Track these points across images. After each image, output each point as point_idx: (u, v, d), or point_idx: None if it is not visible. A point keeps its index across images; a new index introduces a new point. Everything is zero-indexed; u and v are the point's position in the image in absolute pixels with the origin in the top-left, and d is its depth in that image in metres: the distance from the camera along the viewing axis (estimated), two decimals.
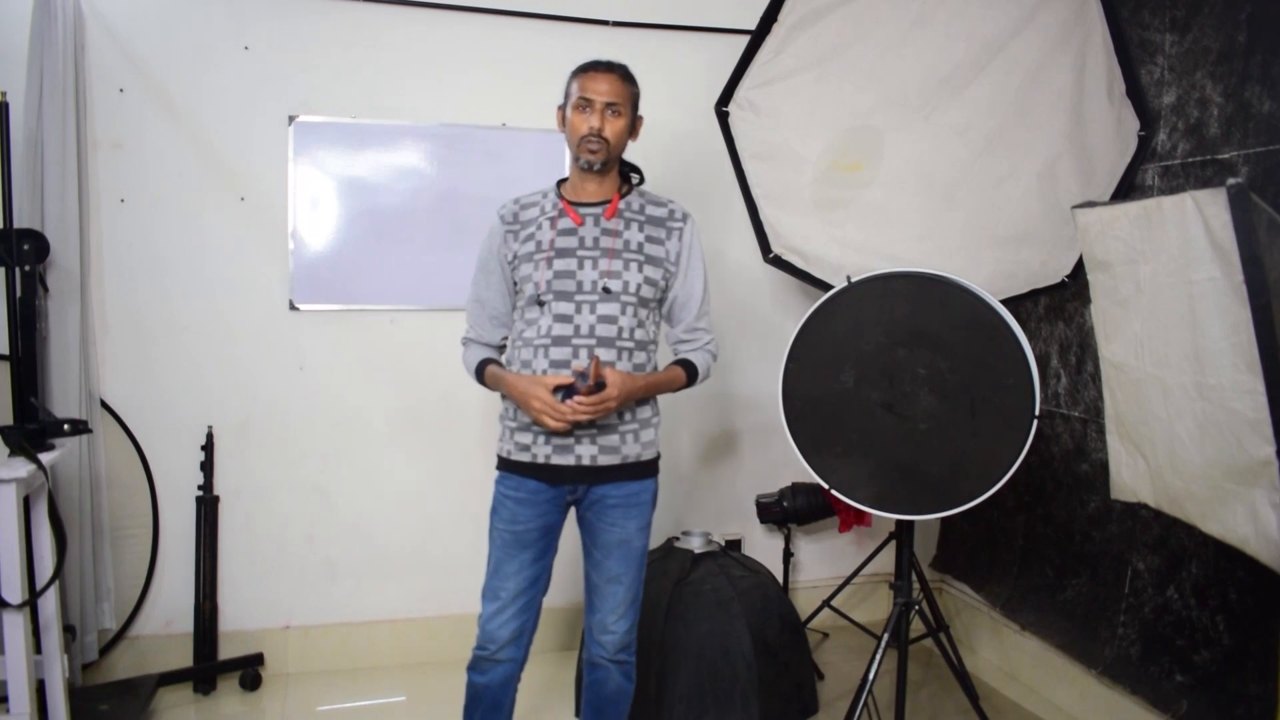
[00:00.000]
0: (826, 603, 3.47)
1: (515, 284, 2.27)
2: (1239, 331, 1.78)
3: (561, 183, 2.31)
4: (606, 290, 2.18)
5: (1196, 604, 2.64)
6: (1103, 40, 2.88)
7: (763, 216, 3.05)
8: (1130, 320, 2.10)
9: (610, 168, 2.23)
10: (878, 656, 2.55)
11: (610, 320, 2.18)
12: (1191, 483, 1.97)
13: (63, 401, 2.85)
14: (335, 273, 3.23)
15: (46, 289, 2.83)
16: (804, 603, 3.58)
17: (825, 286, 2.82)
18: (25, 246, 2.65)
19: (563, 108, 2.25)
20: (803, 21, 2.98)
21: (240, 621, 3.21)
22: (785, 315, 3.59)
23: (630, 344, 2.20)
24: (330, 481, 3.28)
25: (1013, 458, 2.36)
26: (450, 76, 3.28)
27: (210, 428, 3.16)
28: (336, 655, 3.29)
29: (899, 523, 2.66)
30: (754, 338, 3.58)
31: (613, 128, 2.17)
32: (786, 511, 3.44)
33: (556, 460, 2.19)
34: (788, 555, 3.57)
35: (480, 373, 2.30)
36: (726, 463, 3.69)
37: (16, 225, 2.68)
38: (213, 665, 3.13)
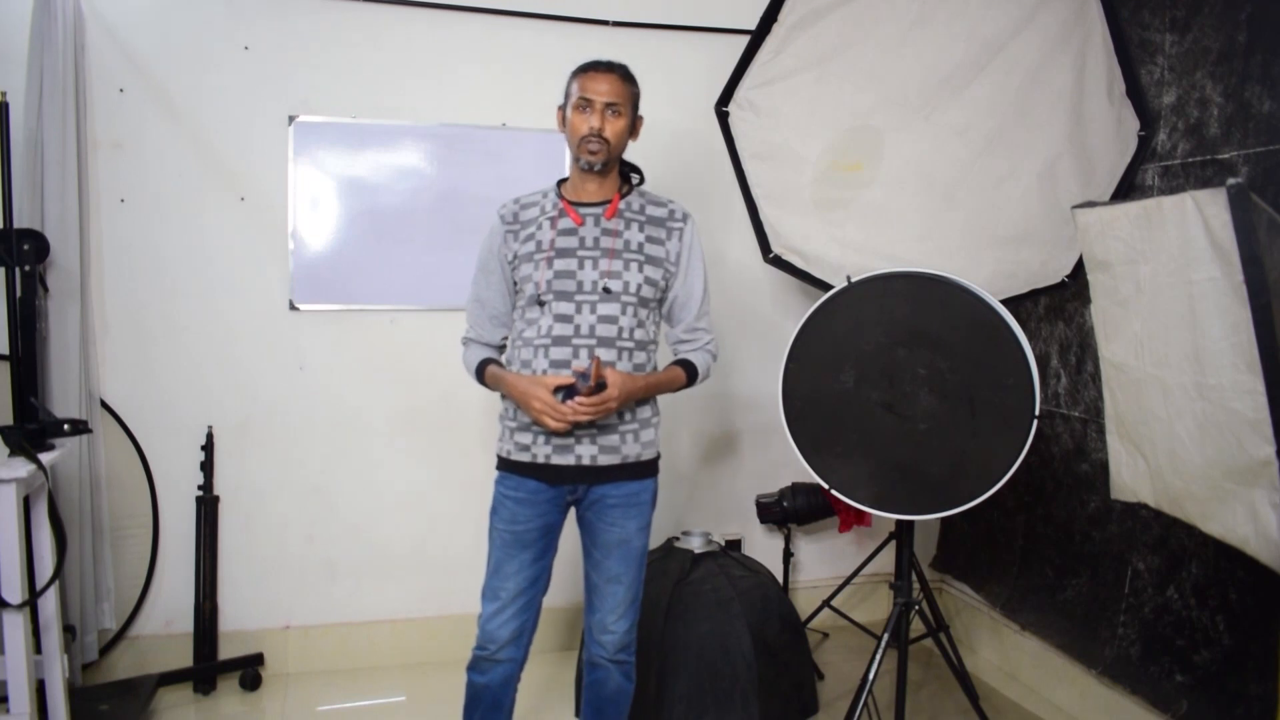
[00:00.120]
0: (826, 603, 3.47)
1: (515, 284, 2.27)
2: (1239, 331, 1.78)
3: (562, 183, 2.31)
4: (607, 290, 2.18)
5: (1196, 604, 2.64)
6: (1103, 40, 2.88)
7: (763, 216, 3.05)
8: (1130, 320, 2.10)
9: (610, 168, 2.23)
10: (878, 656, 2.55)
11: (610, 320, 2.18)
12: (1191, 483, 1.98)
13: (63, 401, 2.85)
14: (335, 273, 3.23)
15: (46, 289, 2.83)
16: (804, 603, 3.58)
17: (825, 286, 2.82)
18: (25, 246, 2.65)
19: (563, 108, 2.25)
20: (803, 21, 2.98)
21: (240, 621, 3.21)
22: (785, 315, 3.59)
23: (630, 344, 2.20)
24: (330, 481, 3.28)
25: (1013, 458, 2.36)
26: (450, 76, 3.28)
27: (210, 428, 3.16)
28: (336, 655, 3.29)
29: (899, 523, 2.66)
30: (754, 338, 3.58)
31: (613, 128, 2.17)
32: (786, 511, 3.44)
33: (556, 460, 2.19)
34: (788, 555, 3.57)
35: (480, 373, 2.30)
36: (726, 463, 3.69)
37: (16, 225, 2.68)
38: (213, 665, 3.13)
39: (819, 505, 3.42)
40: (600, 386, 2.08)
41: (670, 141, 3.33)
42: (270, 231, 3.16)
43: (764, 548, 3.66)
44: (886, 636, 2.57)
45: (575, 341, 2.17)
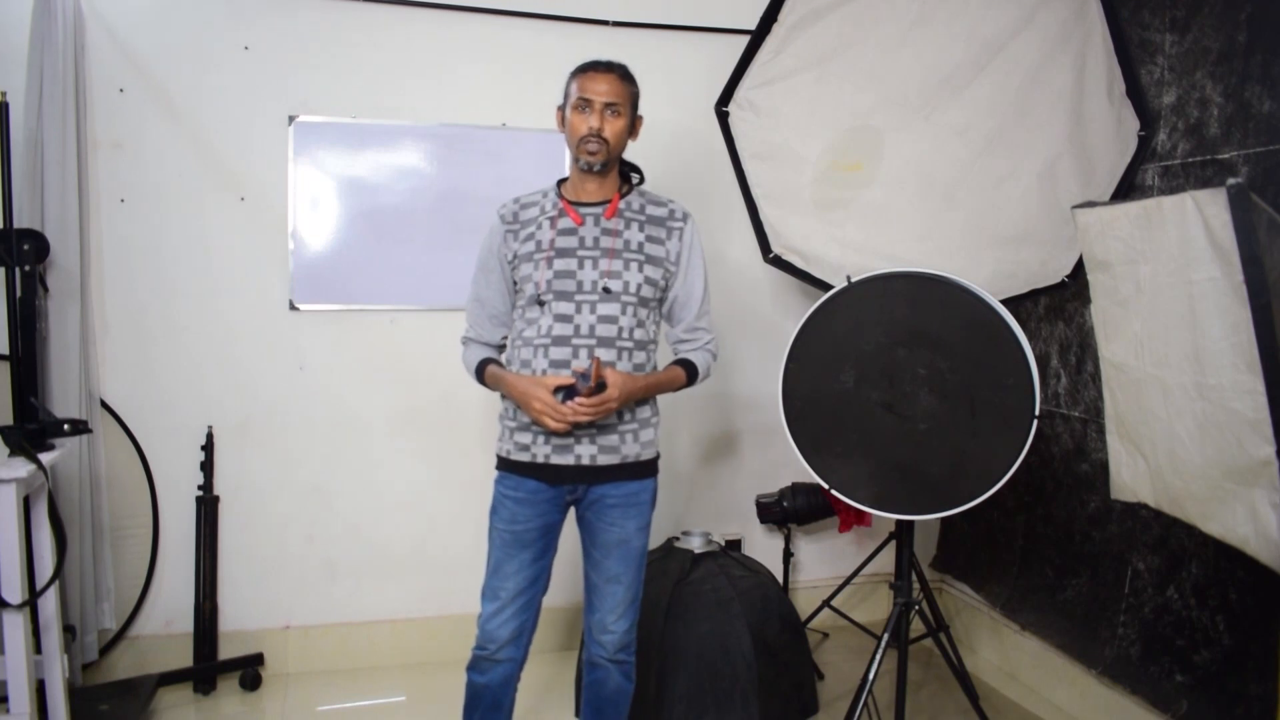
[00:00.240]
0: (826, 603, 3.47)
1: (515, 284, 2.27)
2: (1239, 331, 1.78)
3: (562, 182, 2.31)
4: (606, 290, 2.18)
5: (1196, 604, 2.64)
6: (1103, 40, 2.88)
7: (763, 216, 3.05)
8: (1130, 320, 2.10)
9: (610, 168, 2.22)
10: (878, 656, 2.55)
11: (610, 320, 2.18)
12: (1191, 483, 1.97)
13: (63, 401, 2.85)
14: (335, 273, 3.23)
15: (46, 289, 2.83)
16: (804, 603, 3.58)
17: (825, 286, 2.82)
18: (25, 246, 2.65)
19: (562, 108, 2.25)
20: (803, 21, 2.98)
21: (240, 621, 3.21)
22: (785, 315, 3.59)
23: (630, 344, 2.20)
24: (330, 481, 3.28)
25: (1013, 458, 2.36)
26: (450, 76, 3.28)
27: (210, 428, 3.16)
28: (336, 655, 3.29)
29: (899, 523, 2.66)
30: (754, 338, 3.58)
31: (612, 128, 2.17)
32: (786, 511, 3.44)
33: (556, 460, 2.19)
34: (788, 555, 3.57)
35: (480, 372, 2.30)
36: (726, 463, 3.69)
37: (16, 225, 2.68)
38: (213, 665, 3.13)
39: (819, 505, 3.42)
40: (600, 387, 2.08)
41: (670, 141, 3.33)
42: (270, 231, 3.16)
43: (764, 548, 3.66)
44: (886, 636, 2.57)
45: (575, 341, 2.17)
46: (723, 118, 3.07)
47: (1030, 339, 2.52)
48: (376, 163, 3.24)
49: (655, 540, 2.62)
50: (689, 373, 2.30)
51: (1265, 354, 1.73)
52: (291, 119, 3.15)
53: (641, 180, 2.35)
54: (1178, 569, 2.71)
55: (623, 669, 2.32)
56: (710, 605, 2.88)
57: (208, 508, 3.15)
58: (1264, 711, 2.36)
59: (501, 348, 2.35)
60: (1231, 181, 1.74)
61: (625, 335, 2.19)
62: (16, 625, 2.33)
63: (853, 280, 2.48)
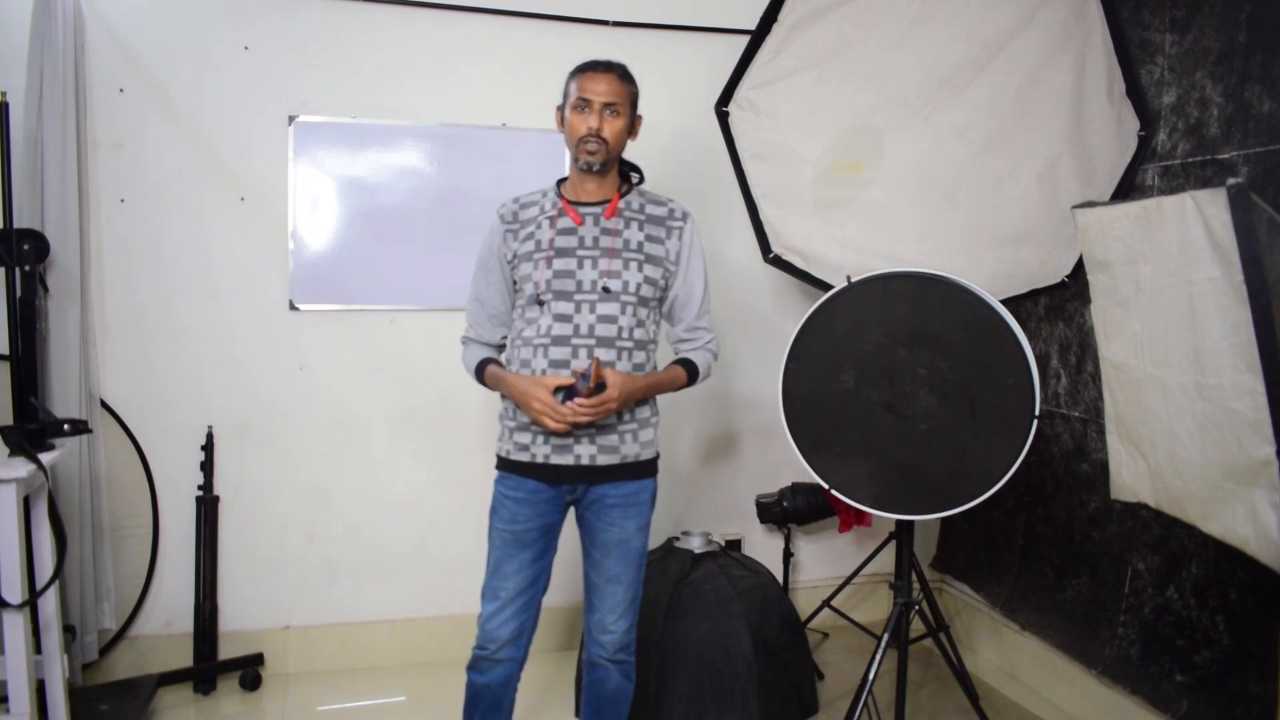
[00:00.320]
0: (826, 603, 3.47)
1: (515, 283, 2.27)
2: (1239, 331, 1.78)
3: (561, 182, 2.31)
4: (606, 290, 2.18)
5: (1196, 604, 2.64)
6: (1103, 40, 2.88)
7: (763, 216, 3.05)
8: (1130, 320, 2.10)
9: (610, 167, 2.22)
10: (878, 656, 2.55)
11: (610, 320, 2.18)
12: (1191, 483, 1.97)
13: (63, 401, 2.85)
14: (335, 273, 3.23)
15: (46, 289, 2.83)
16: (804, 603, 3.58)
17: (825, 286, 2.82)
18: (25, 246, 2.65)
19: (561, 108, 2.25)
20: (803, 21, 2.98)
21: (240, 621, 3.21)
22: (785, 315, 3.59)
23: (630, 344, 2.20)
24: (330, 481, 3.28)
25: (1013, 458, 2.36)
26: (450, 76, 3.28)
27: (210, 428, 3.16)
28: (336, 655, 3.29)
29: (899, 523, 2.66)
30: (754, 338, 3.58)
31: (611, 128, 2.17)
32: (786, 511, 3.44)
33: (555, 460, 2.19)
34: (788, 555, 3.57)
35: (480, 372, 2.30)
36: (726, 463, 3.69)
37: (16, 225, 2.68)
38: (213, 665, 3.13)
39: (819, 505, 3.42)
40: (600, 387, 2.08)
41: (670, 141, 3.33)
42: (270, 231, 3.16)
43: (764, 548, 3.66)
44: (886, 636, 2.57)
45: (574, 341, 2.17)
46: (723, 118, 3.07)
47: (1030, 339, 2.52)
48: (376, 163, 3.24)
49: (655, 540, 2.62)
50: (690, 372, 2.30)
51: (1265, 354, 1.73)
52: (291, 119, 3.15)
53: (641, 180, 2.35)
54: (1178, 569, 2.71)
55: (622, 669, 2.32)
56: (710, 605, 2.88)
57: (208, 508, 3.15)
58: (1264, 711, 2.36)
59: (501, 347, 2.35)
60: (1231, 181, 1.74)
61: (625, 335, 2.19)
62: (16, 625, 2.33)
63: (853, 280, 2.48)
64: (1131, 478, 2.20)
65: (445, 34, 3.25)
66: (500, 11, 3.28)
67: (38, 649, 2.50)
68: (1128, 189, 2.88)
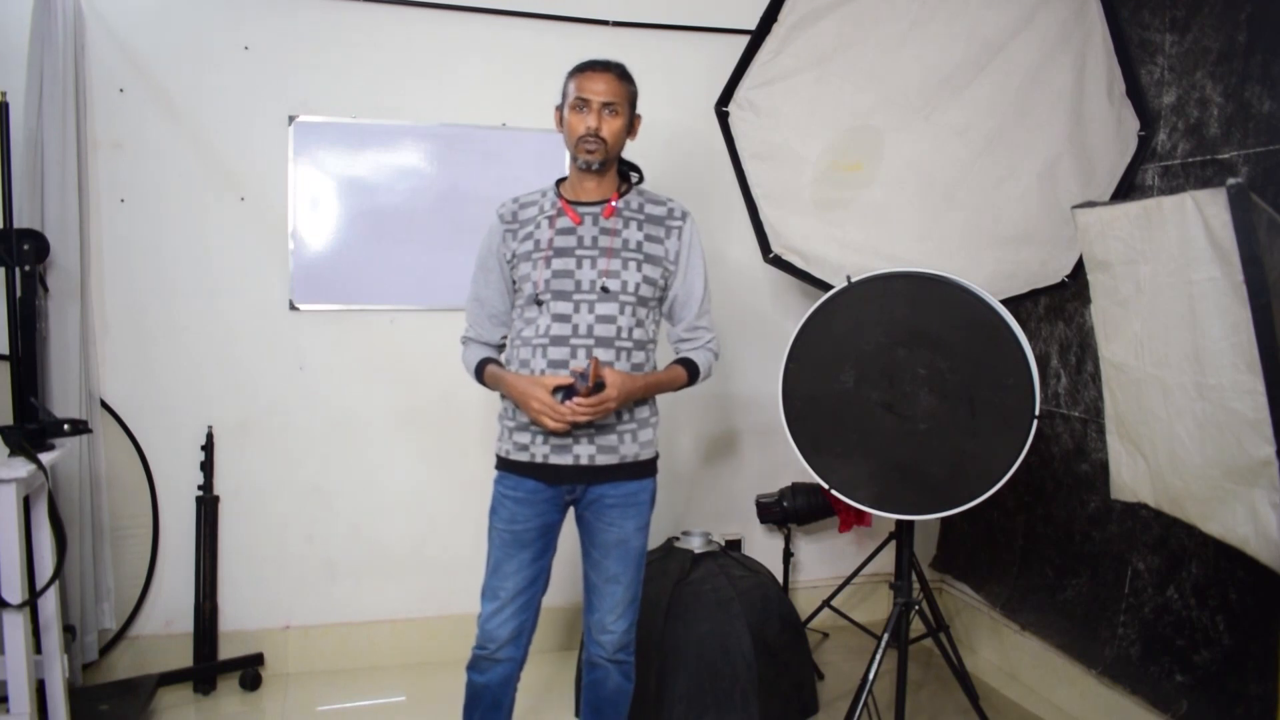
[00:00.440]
0: (826, 603, 3.47)
1: (514, 283, 2.27)
2: (1239, 331, 1.78)
3: (561, 182, 2.30)
4: (605, 290, 2.18)
5: (1196, 604, 2.64)
6: (1103, 40, 2.88)
7: (763, 216, 3.04)
8: (1130, 320, 2.10)
9: (609, 167, 2.22)
10: (878, 656, 2.55)
11: (609, 320, 2.18)
12: (1191, 483, 1.97)
13: (63, 401, 2.85)
14: (335, 273, 3.23)
15: (46, 289, 2.83)
16: (804, 603, 3.58)
17: (825, 286, 2.82)
18: (25, 246, 2.65)
19: (560, 108, 2.25)
20: (803, 21, 2.98)
21: (240, 621, 3.21)
22: (785, 315, 3.59)
23: (629, 344, 2.20)
24: (330, 481, 3.28)
25: (1013, 458, 2.36)
26: (450, 76, 3.28)
27: (210, 428, 3.16)
28: (336, 655, 3.29)
29: (899, 523, 2.66)
30: (754, 338, 3.58)
31: (610, 127, 2.17)
32: (786, 511, 3.44)
33: (555, 460, 2.19)
34: (788, 555, 3.57)
35: (479, 372, 2.30)
36: (726, 463, 3.69)
37: (16, 225, 2.68)
38: (213, 665, 3.13)
39: (819, 505, 3.42)
40: (599, 386, 2.08)
41: (670, 141, 3.34)
42: (270, 231, 3.16)
43: (764, 548, 3.66)
44: (886, 636, 2.57)
45: (573, 341, 2.17)
46: (723, 118, 3.07)
47: (1030, 339, 2.52)
48: (376, 163, 3.24)
49: (655, 540, 2.62)
50: (690, 372, 2.30)
51: (1265, 354, 1.73)
52: (291, 119, 3.15)
53: (641, 179, 2.35)
54: (1178, 569, 2.71)
55: (622, 669, 2.32)
56: (710, 605, 2.88)
57: (208, 508, 3.15)
58: (1264, 711, 2.36)
59: (501, 347, 2.35)
60: (1231, 181, 1.74)
61: (624, 335, 2.19)
62: (16, 625, 2.33)
63: (853, 280, 2.48)
64: (1131, 478, 2.20)
65: (445, 34, 3.25)
66: (500, 11, 3.28)
67: (38, 649, 2.50)
68: (1128, 189, 2.88)
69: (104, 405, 3.04)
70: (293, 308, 3.20)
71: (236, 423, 3.18)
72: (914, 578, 2.73)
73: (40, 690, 2.51)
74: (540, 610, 2.30)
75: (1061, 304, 3.17)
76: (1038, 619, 3.24)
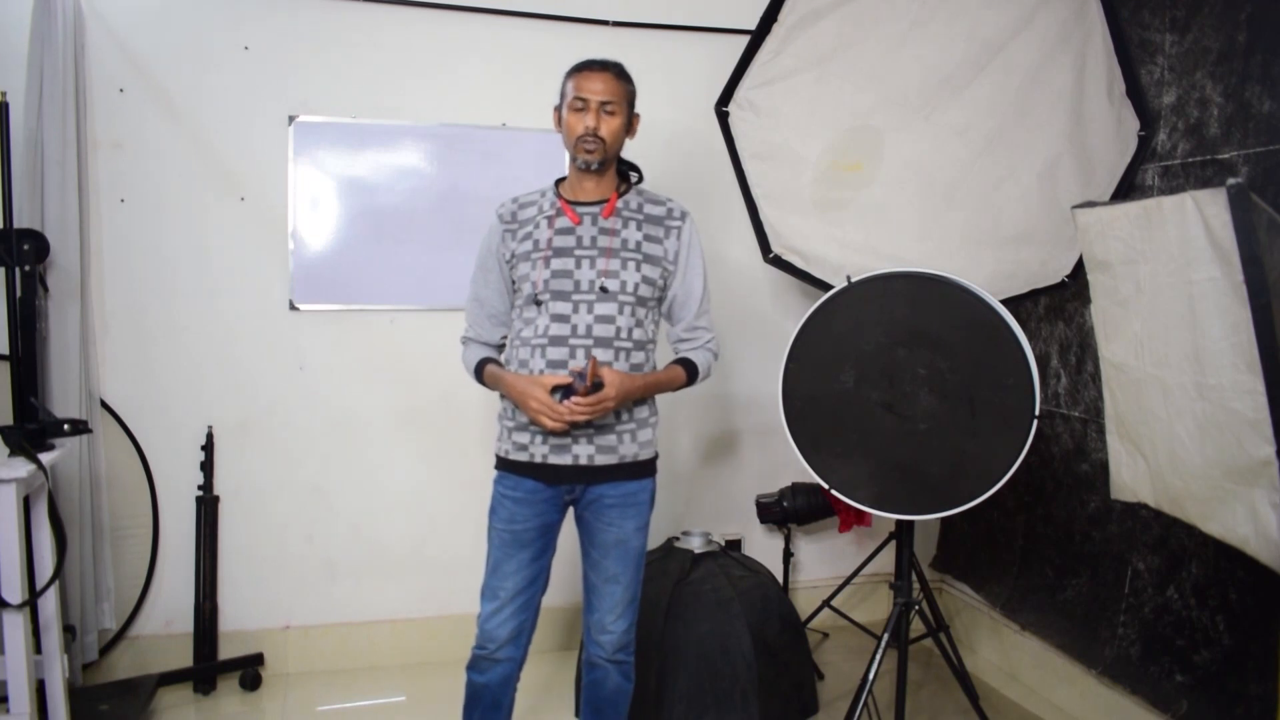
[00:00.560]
0: (826, 603, 3.47)
1: (513, 283, 2.27)
2: (1239, 331, 1.78)
3: (560, 182, 2.30)
4: (604, 290, 2.18)
5: (1196, 604, 2.64)
6: (1103, 40, 2.88)
7: (763, 216, 3.04)
8: (1130, 320, 2.10)
9: (608, 167, 2.22)
10: (878, 656, 2.55)
11: (608, 320, 2.18)
12: (1191, 483, 1.97)
13: (63, 401, 2.85)
14: (335, 273, 3.23)
15: (46, 289, 2.83)
16: (804, 603, 3.58)
17: (825, 286, 2.82)
18: (25, 246, 2.65)
19: (558, 108, 2.25)
20: (803, 21, 2.98)
21: (240, 621, 3.21)
22: (785, 315, 3.59)
23: (628, 344, 2.20)
24: (330, 481, 3.28)
25: (1013, 458, 2.36)
26: (450, 76, 3.28)
27: (210, 428, 3.16)
28: (336, 655, 3.29)
29: (899, 523, 2.66)
30: (754, 338, 3.58)
31: (608, 126, 2.17)
32: (786, 511, 3.44)
33: (554, 460, 2.19)
34: (788, 555, 3.57)
35: (479, 372, 2.30)
36: (726, 463, 3.69)
37: (16, 225, 2.68)
38: (213, 665, 3.13)
39: (819, 505, 3.42)
40: (597, 386, 2.08)
41: (670, 141, 3.34)
42: (270, 231, 3.16)
43: (764, 548, 3.66)
44: (886, 636, 2.57)
45: (572, 341, 2.17)
46: (723, 118, 3.07)
47: (1030, 339, 2.52)
48: (376, 163, 3.24)
49: (655, 540, 2.62)
50: (689, 372, 2.30)
51: (1265, 354, 1.73)
52: (291, 119, 3.15)
53: (640, 179, 2.35)
54: (1178, 569, 2.71)
55: (621, 669, 2.32)
56: (710, 605, 2.88)
57: (208, 508, 3.15)
58: (1264, 711, 2.36)
59: (501, 347, 2.35)
60: (1231, 181, 1.74)
61: (623, 335, 2.19)
62: (16, 625, 2.33)
63: (853, 280, 2.48)
64: (1131, 478, 2.20)
65: (445, 34, 3.25)
66: (500, 11, 3.28)
67: (38, 649, 2.50)
68: (1128, 189, 2.87)
69: (104, 405, 3.04)
70: (293, 308, 3.20)
71: (236, 423, 3.18)
72: (914, 578, 2.73)
73: (40, 690, 2.51)
74: (540, 610, 2.30)
75: (1061, 304, 3.17)
76: (1038, 619, 3.24)
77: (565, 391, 2.10)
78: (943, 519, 3.81)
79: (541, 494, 2.22)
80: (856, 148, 3.00)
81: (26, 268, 2.66)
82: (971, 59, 2.94)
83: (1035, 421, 2.34)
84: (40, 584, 2.48)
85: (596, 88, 2.16)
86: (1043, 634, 3.19)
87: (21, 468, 2.32)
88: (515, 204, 2.30)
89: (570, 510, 2.30)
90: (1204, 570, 2.62)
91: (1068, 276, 2.90)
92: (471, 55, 3.29)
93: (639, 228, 2.24)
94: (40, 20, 2.76)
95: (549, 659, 3.31)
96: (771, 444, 3.53)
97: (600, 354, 2.16)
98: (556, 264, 2.19)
